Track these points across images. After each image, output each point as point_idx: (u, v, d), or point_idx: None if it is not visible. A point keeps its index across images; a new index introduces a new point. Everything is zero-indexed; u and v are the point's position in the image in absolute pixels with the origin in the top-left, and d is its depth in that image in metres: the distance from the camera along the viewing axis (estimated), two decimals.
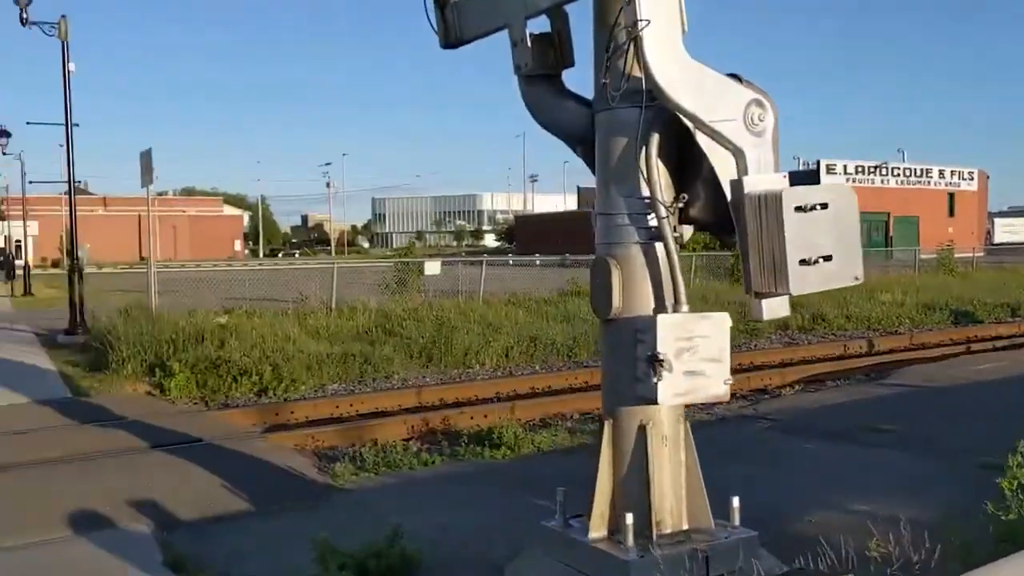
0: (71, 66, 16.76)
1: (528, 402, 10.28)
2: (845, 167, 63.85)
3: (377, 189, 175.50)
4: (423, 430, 9.35)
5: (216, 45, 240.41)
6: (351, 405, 10.67)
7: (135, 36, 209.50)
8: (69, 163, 16.77)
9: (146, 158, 15.90)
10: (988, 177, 73.79)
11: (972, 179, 70.37)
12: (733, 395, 11.61)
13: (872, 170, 64.73)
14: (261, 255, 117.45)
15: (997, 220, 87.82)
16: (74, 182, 16.93)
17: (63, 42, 16.65)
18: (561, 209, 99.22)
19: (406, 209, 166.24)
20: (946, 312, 20.62)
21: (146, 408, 10.12)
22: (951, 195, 68.62)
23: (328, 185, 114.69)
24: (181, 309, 15.83)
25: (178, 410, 10.29)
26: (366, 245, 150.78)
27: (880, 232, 64.40)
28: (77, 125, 16.82)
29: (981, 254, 45.06)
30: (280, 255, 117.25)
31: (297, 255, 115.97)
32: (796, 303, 15.15)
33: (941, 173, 68.24)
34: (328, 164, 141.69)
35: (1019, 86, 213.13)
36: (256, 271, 27.69)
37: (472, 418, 9.67)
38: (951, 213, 68.41)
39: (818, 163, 64.04)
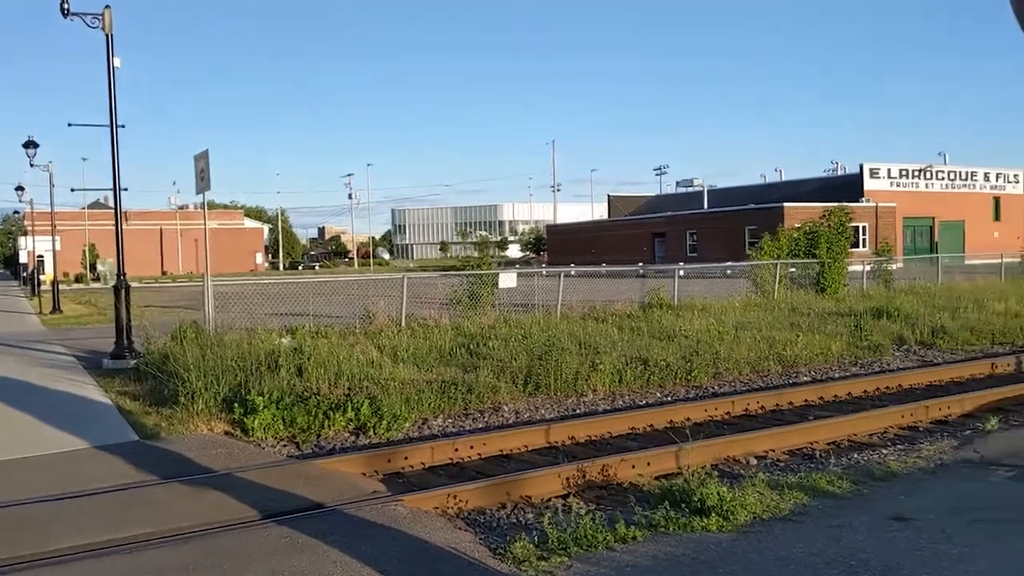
0: (116, 61, 15.12)
1: (693, 445, 8.45)
2: (889, 171, 61.91)
3: (395, 200, 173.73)
4: (580, 482, 7.57)
5: (228, 52, 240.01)
6: (471, 448, 8.90)
7: (143, 43, 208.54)
8: (114, 167, 15.10)
9: (202, 161, 14.22)
10: None
11: (1017, 181, 68.29)
12: (918, 428, 9.82)
13: (917, 173, 62.72)
14: (282, 268, 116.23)
15: None
16: (119, 188, 15.25)
17: (107, 35, 15.01)
18: (588, 218, 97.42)
19: (426, 220, 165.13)
20: None
21: (232, 455, 8.37)
22: (996, 199, 66.55)
23: (351, 196, 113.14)
24: (238, 329, 14.15)
25: (271, 457, 8.53)
26: (387, 257, 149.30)
27: (925, 238, 62.36)
28: (123, 126, 15.19)
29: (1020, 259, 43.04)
30: (300, 267, 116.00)
31: (317, 267, 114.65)
32: (913, 315, 13.06)
33: (986, 176, 66.22)
34: (350, 175, 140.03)
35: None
36: (308, 283, 25.91)
37: (634, 467, 7.89)
38: (996, 217, 66.38)
39: (861, 167, 62.17)
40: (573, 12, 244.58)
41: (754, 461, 8.47)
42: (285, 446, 9.29)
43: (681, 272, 40.23)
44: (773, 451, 8.77)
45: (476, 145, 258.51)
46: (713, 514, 6.28)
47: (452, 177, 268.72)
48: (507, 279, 17.81)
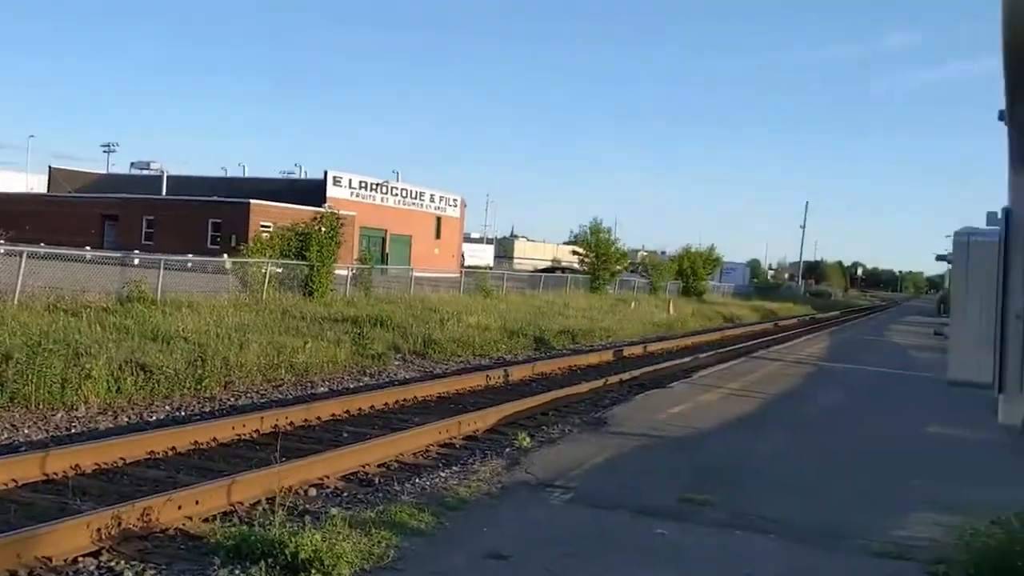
0: None
1: (246, 477, 7.18)
2: (351, 181, 64.57)
3: None
4: (116, 533, 5.85)
5: None
6: None
7: None
8: None
9: None
10: (466, 206, 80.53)
11: (456, 205, 76.27)
12: (455, 445, 9.71)
13: (375, 187, 66.45)
14: None
15: (465, 246, 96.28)
16: None
17: None
18: (23, 190, 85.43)
19: None
20: (529, 338, 20.88)
21: None
22: (439, 218, 73.46)
23: None
24: None
25: None
26: None
27: (378, 249, 66.26)
28: None
29: (456, 275, 48.46)
30: None
31: None
32: (403, 325, 13.48)
33: (432, 197, 72.71)
34: None
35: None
36: None
37: (180, 507, 6.39)
38: (438, 235, 73.26)
39: (325, 174, 63.90)
40: None
41: (313, 492, 7.49)
42: None
43: (136, 260, 37.09)
44: (328, 478, 7.87)
45: None
46: (313, 570, 5.21)
47: None
48: None
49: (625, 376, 15.68)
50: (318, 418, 10.52)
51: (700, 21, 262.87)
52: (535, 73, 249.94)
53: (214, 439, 9.03)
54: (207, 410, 10.61)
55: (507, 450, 9.18)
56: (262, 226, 51.25)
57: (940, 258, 3.01)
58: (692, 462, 8.92)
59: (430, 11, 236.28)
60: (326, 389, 12.75)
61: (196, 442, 8.81)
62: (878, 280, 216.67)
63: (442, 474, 8.18)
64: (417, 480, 7.95)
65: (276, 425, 9.90)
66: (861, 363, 21.72)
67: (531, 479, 8.00)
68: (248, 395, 11.69)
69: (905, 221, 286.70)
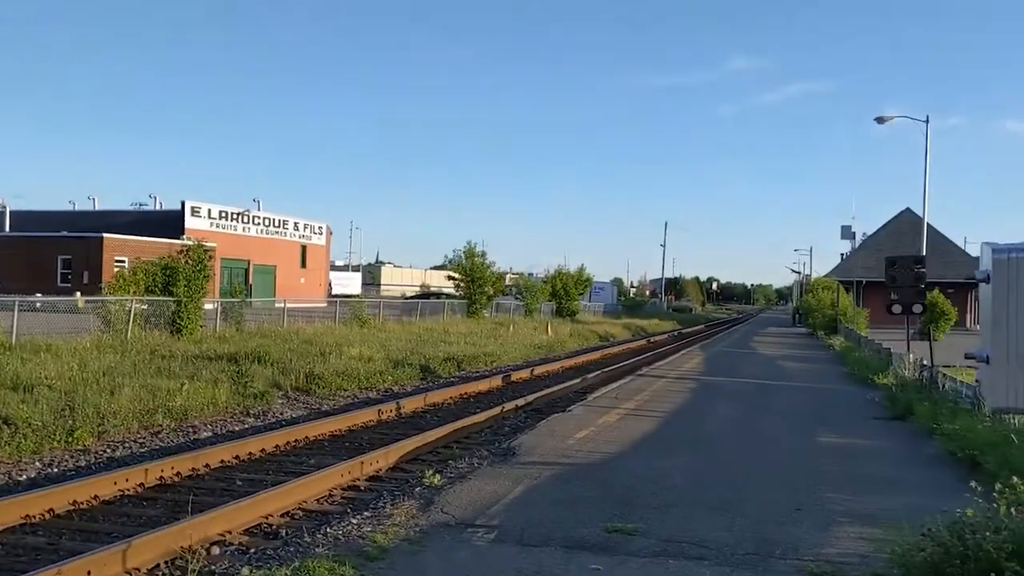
0: None
1: (142, 539, 6.49)
2: (210, 211, 62.28)
3: None
4: None
5: None
6: None
7: None
8: None
9: None
10: (332, 233, 79.01)
11: (321, 233, 74.77)
12: (359, 488, 9.19)
13: (235, 216, 64.31)
14: None
15: (331, 274, 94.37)
16: None
17: None
18: None
19: None
20: (415, 367, 20.41)
21: None
22: (304, 247, 71.77)
23: None
24: None
25: None
26: None
27: (241, 280, 64.05)
28: None
29: (324, 304, 47.53)
30: None
31: None
32: (282, 361, 12.98)
33: (296, 225, 70.98)
34: None
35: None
36: None
37: None
38: (303, 264, 71.55)
39: (183, 204, 61.49)
40: None
41: (216, 550, 6.86)
42: None
43: None
44: (230, 532, 7.25)
45: None
46: None
47: None
48: None
49: (520, 402, 15.46)
50: (207, 466, 9.78)
51: (559, 48, 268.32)
52: (396, 98, 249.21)
53: (95, 497, 8.23)
54: (83, 464, 9.71)
55: (417, 490, 8.72)
56: (116, 261, 48.70)
57: (974, 279, 2.86)
58: (610, 488, 8.71)
59: (284, 34, 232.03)
60: (210, 433, 11.94)
61: (75, 502, 8.00)
62: (732, 294, 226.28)
63: (353, 520, 7.66)
64: (328, 529, 7.40)
65: (162, 476, 9.14)
66: (739, 376, 22.27)
67: (450, 519, 7.60)
68: (126, 445, 10.79)
69: (753, 237, 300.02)
